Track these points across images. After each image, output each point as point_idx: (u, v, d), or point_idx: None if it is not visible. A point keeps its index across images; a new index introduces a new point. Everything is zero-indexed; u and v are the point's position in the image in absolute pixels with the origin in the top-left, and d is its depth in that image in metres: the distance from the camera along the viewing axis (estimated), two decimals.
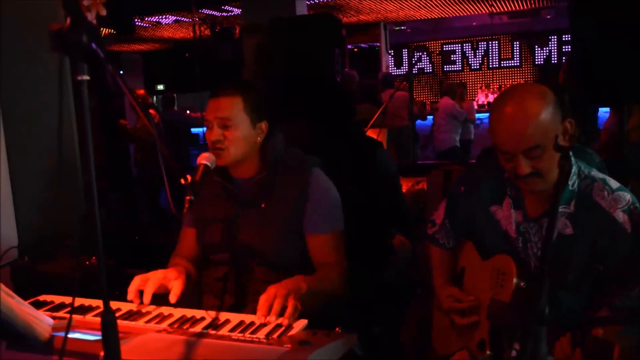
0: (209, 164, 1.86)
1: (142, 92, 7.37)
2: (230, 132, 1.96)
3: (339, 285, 2.00)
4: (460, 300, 1.84)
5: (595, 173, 1.71)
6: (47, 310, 1.80)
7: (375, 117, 4.14)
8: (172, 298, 1.81)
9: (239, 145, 1.97)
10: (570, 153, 1.65)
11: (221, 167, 2.03)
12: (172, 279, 1.85)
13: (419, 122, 8.09)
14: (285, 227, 2.00)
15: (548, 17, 12.52)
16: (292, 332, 1.57)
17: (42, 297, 1.93)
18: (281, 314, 1.65)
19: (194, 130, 14.37)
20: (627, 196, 1.65)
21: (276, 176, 2.03)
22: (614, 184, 1.68)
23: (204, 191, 2.02)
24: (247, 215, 2.02)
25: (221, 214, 2.06)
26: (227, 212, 2.05)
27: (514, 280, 1.67)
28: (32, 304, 1.70)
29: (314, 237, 2.03)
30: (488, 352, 1.71)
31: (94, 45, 1.11)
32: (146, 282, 1.82)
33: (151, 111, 6.87)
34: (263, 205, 2.01)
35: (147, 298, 1.79)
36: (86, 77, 1.09)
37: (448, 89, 8.09)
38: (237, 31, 9.26)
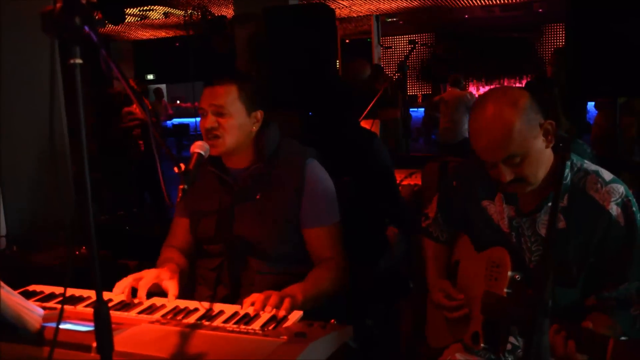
0: (202, 152, 1.83)
1: (131, 82, 7.26)
2: (225, 120, 1.93)
3: (339, 282, 1.98)
4: (450, 297, 1.83)
5: (588, 165, 1.70)
6: (37, 301, 1.77)
7: (369, 108, 4.12)
8: (171, 299, 1.78)
9: (233, 134, 1.95)
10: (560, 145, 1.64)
11: (216, 157, 2.00)
12: (166, 279, 1.82)
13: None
14: (280, 219, 1.98)
15: (540, 10, 12.54)
16: (287, 324, 1.56)
17: (31, 287, 1.90)
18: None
19: (185, 120, 14.33)
20: (621, 188, 1.64)
21: (272, 167, 2.01)
22: (607, 175, 1.67)
23: (198, 182, 1.99)
24: (242, 207, 2.00)
25: (216, 205, 2.03)
26: (221, 204, 2.02)
27: (509, 273, 1.66)
28: (21, 294, 1.68)
29: (310, 230, 2.01)
30: (482, 344, 1.70)
31: (87, 28, 1.08)
32: (139, 281, 1.79)
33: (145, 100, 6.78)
34: (258, 197, 1.98)
35: (142, 294, 1.76)
36: (79, 61, 1.06)
37: (455, 80, 7.98)
38: (228, 20, 9.19)
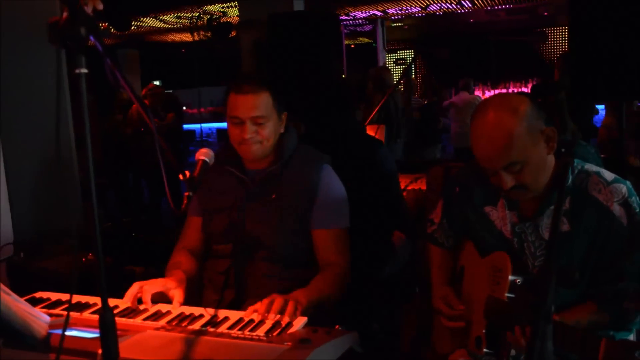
0: (207, 159, 1.84)
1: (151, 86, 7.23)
2: (263, 128, 1.97)
3: (339, 289, 1.99)
4: (451, 306, 1.83)
5: (589, 166, 1.69)
6: (43, 308, 1.78)
7: (373, 114, 4.13)
8: (176, 305, 1.79)
9: (271, 139, 2.01)
10: (562, 150, 1.64)
11: (235, 157, 2.04)
12: (172, 288, 1.83)
13: None
14: (292, 220, 2.00)
15: (545, 14, 12.51)
16: (292, 330, 1.56)
17: (38, 294, 1.91)
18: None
19: (191, 126, 14.38)
20: (623, 188, 1.64)
21: (288, 169, 2.04)
22: (608, 176, 1.67)
23: (214, 180, 2.02)
24: (256, 206, 2.02)
25: (230, 202, 2.05)
26: (235, 202, 2.04)
27: (509, 277, 1.66)
28: (28, 301, 1.69)
29: (319, 232, 2.03)
30: (484, 349, 1.70)
31: (92, 38, 1.09)
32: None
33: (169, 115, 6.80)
34: (273, 197, 2.01)
35: (146, 299, 1.77)
36: (84, 71, 1.08)
37: (466, 84, 8.03)
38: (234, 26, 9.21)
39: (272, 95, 1.98)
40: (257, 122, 1.96)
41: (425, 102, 7.90)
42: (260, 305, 1.67)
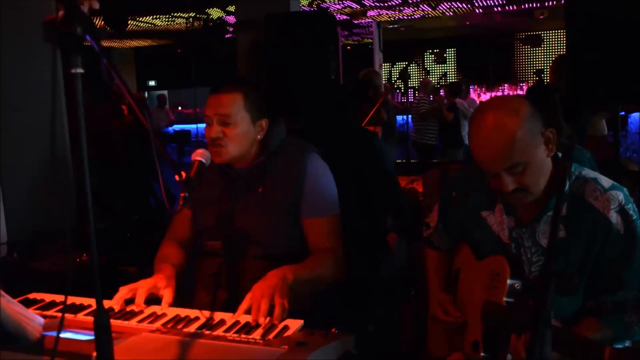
0: (203, 160, 1.83)
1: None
2: (230, 129, 1.94)
3: (334, 271, 1.96)
4: (447, 313, 1.83)
5: (586, 172, 1.69)
6: (37, 309, 1.76)
7: (371, 113, 4.14)
8: (165, 307, 1.77)
9: (238, 143, 1.96)
10: (560, 154, 1.63)
11: None
12: (162, 287, 1.81)
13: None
14: (282, 212, 1.98)
15: (541, 17, 12.55)
16: (288, 333, 1.55)
17: (32, 295, 1.89)
18: (270, 313, 1.63)
19: (186, 127, 14.34)
20: (620, 195, 1.63)
21: (274, 161, 2.02)
22: (606, 182, 1.66)
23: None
24: (244, 200, 2.01)
25: (217, 196, 2.04)
26: (223, 196, 2.03)
27: (508, 281, 1.65)
28: (21, 302, 1.67)
29: (309, 221, 2.01)
30: (482, 353, 1.69)
31: (88, 37, 1.08)
32: (133, 292, 1.78)
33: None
34: (260, 190, 1.99)
35: (139, 302, 1.75)
36: (80, 70, 1.06)
37: (457, 88, 8.06)
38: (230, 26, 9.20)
39: (246, 98, 1.95)
40: (223, 122, 1.93)
41: (454, 102, 7.91)
42: (251, 303, 1.65)
